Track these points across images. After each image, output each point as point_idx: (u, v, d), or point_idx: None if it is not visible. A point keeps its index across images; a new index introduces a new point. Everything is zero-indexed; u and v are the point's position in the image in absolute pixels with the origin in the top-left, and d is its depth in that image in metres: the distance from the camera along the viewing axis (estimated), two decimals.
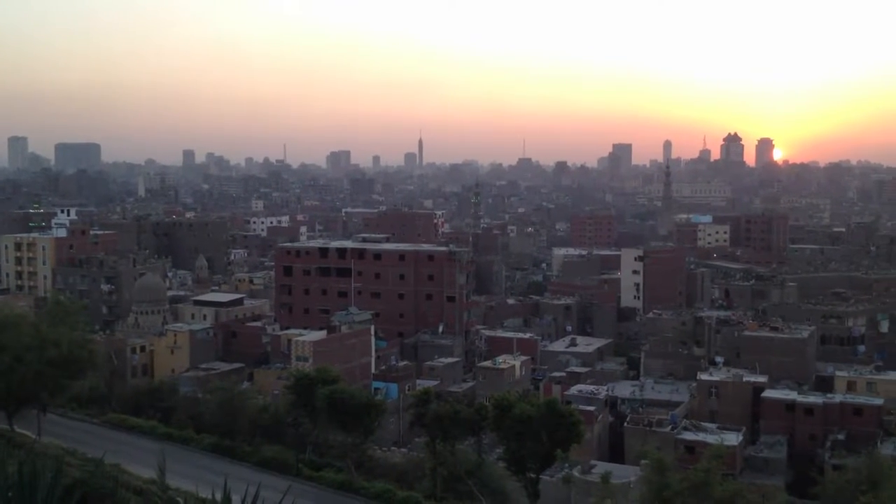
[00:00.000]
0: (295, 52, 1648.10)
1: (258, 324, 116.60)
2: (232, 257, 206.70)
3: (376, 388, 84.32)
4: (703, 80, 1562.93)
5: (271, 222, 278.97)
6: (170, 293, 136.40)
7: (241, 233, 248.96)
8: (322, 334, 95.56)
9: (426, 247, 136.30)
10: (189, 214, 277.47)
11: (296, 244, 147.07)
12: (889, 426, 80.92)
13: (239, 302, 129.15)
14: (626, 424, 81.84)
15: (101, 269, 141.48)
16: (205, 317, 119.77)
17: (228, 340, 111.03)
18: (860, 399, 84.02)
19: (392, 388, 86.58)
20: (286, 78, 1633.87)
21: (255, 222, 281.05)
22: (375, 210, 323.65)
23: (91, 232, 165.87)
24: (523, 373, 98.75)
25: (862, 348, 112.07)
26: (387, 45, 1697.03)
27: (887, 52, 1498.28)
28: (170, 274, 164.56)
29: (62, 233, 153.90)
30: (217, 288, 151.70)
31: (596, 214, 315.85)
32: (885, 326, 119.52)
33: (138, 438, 62.92)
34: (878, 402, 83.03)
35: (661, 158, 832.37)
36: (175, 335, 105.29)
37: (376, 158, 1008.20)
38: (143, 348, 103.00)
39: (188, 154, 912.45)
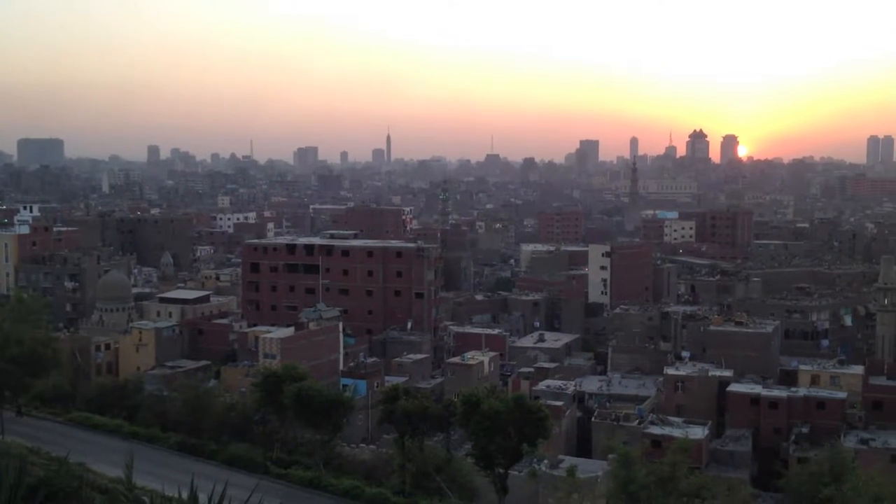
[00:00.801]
0: (262, 47, 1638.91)
1: (225, 321, 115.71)
2: (198, 254, 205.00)
3: (345, 385, 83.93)
4: (668, 78, 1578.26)
5: (238, 219, 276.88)
6: (135, 290, 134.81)
7: (207, 229, 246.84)
8: (290, 331, 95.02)
9: (394, 243, 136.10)
10: (154, 211, 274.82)
11: (263, 241, 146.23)
12: (852, 419, 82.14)
13: (205, 299, 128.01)
14: (593, 419, 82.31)
15: (64, 266, 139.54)
16: (170, 314, 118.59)
17: (195, 338, 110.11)
18: (824, 393, 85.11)
19: (360, 384, 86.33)
20: (253, 73, 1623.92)
21: (221, 219, 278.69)
22: (343, 206, 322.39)
23: (54, 228, 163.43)
24: (492, 369, 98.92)
25: (825, 342, 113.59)
26: (355, 40, 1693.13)
27: (849, 50, 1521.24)
28: (135, 271, 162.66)
29: (25, 229, 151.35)
30: (183, 285, 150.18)
31: (563, 211, 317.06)
32: (848, 321, 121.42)
33: (103, 437, 62.38)
34: (842, 395, 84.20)
35: (627, 155, 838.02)
36: (140, 333, 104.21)
37: (344, 154, 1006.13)
38: (107, 346, 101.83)
39: (153, 150, 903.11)
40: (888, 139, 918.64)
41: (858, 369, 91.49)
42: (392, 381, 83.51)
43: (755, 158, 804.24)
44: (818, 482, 48.48)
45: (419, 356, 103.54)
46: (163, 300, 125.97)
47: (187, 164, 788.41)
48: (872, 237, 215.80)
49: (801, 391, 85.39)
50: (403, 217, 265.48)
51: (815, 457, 62.11)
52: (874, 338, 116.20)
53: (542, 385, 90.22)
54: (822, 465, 52.17)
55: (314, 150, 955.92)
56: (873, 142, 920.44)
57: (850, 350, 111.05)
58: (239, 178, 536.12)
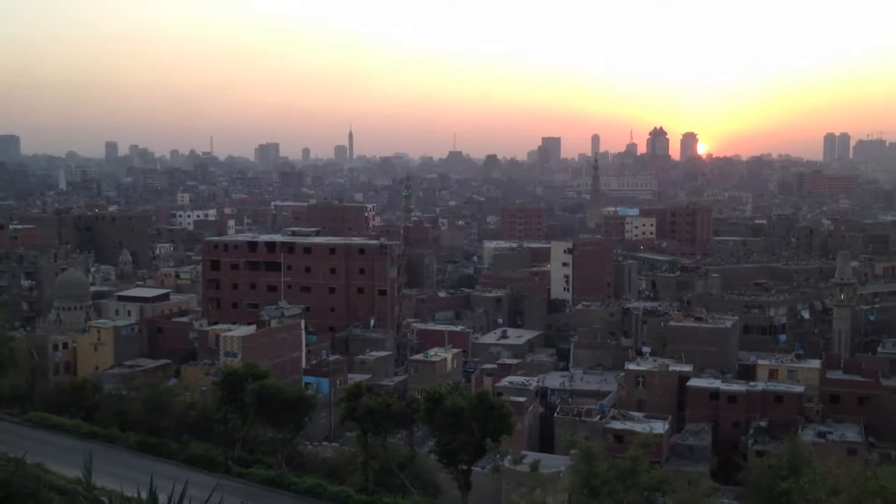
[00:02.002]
0: (222, 42, 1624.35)
1: (185, 319, 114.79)
2: (157, 252, 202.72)
3: (307, 383, 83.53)
4: (629, 76, 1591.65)
5: (198, 216, 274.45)
6: (93, 289, 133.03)
7: (166, 227, 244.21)
8: (251, 329, 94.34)
9: (357, 240, 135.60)
10: (112, 208, 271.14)
11: (223, 238, 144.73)
12: (809, 413, 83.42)
13: (165, 297, 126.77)
14: (556, 415, 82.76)
15: (20, 264, 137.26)
16: (129, 313, 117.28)
17: (154, 336, 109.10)
18: (781, 387, 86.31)
19: (323, 382, 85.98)
20: (213, 69, 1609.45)
21: (181, 216, 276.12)
22: (305, 203, 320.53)
23: (10, 226, 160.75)
24: (455, 365, 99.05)
25: (783, 337, 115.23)
26: (316, 36, 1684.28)
27: (806, 51, 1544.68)
28: (92, 269, 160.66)
29: None
30: (142, 283, 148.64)
31: (526, 207, 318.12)
32: (805, 316, 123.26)
33: (61, 437, 61.56)
34: (799, 389, 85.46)
35: (589, 152, 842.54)
36: (99, 331, 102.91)
37: (306, 151, 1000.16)
38: (65, 345, 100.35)
39: (111, 146, 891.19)
40: (844, 137, 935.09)
41: (815, 363, 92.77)
42: (355, 378, 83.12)
43: (714, 156, 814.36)
44: (776, 475, 49.09)
45: (382, 353, 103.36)
46: (121, 298, 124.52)
47: (146, 161, 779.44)
48: (829, 233, 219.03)
49: (760, 385, 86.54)
50: (366, 214, 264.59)
51: (773, 450, 62.94)
52: (831, 332, 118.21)
53: (504, 381, 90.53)
54: (781, 459, 52.83)
55: (275, 146, 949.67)
56: (829, 139, 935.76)
57: (807, 344, 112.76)
58: (199, 174, 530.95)
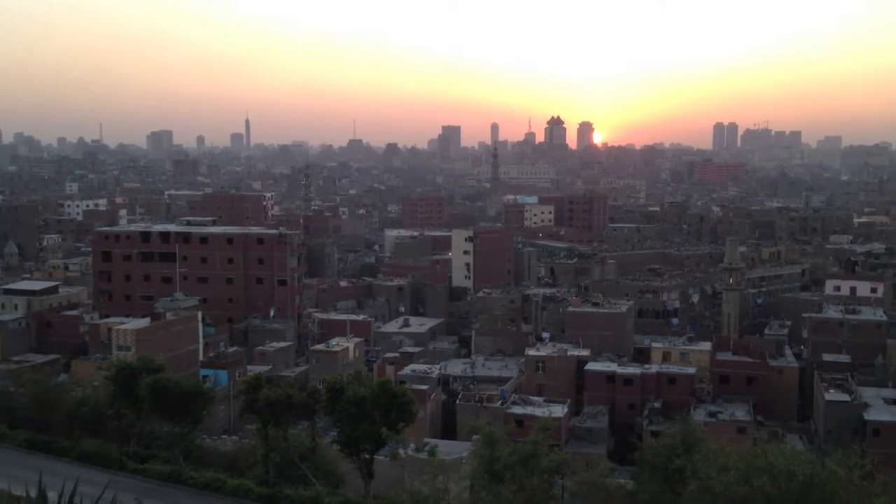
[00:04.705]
0: (112, 26, 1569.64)
1: (75, 312, 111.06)
2: (45, 243, 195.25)
3: (205, 376, 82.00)
4: (527, 67, 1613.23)
5: (87, 206, 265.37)
6: None
7: (54, 217, 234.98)
8: (145, 322, 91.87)
9: (255, 230, 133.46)
10: None
11: (115, 228, 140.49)
12: (701, 394, 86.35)
13: (53, 290, 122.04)
14: (458, 401, 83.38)
15: None
16: (16, 306, 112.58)
17: (43, 331, 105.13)
18: (674, 369, 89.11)
19: (221, 375, 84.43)
20: (102, 54, 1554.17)
21: (69, 206, 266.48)
22: (201, 192, 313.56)
23: None
24: (357, 355, 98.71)
25: (676, 321, 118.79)
26: (211, 19, 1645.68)
27: (697, 46, 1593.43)
28: None
29: None
30: (29, 275, 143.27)
31: (427, 196, 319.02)
32: (695, 299, 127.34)
33: None
34: (691, 371, 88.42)
35: (489, 141, 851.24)
36: None
37: (201, 139, 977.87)
38: None
39: None
40: (732, 126, 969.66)
41: (706, 346, 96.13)
42: (254, 370, 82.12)
43: (609, 145, 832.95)
44: (670, 454, 50.53)
45: (282, 344, 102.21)
46: (7, 292, 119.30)
47: (32, 149, 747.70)
48: (718, 219, 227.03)
49: (654, 368, 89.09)
50: (264, 203, 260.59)
51: (667, 430, 64.82)
52: (720, 315, 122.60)
53: (407, 370, 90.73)
54: (674, 438, 54.37)
55: (168, 133, 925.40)
56: (719, 129, 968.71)
57: (699, 327, 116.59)
58: (88, 163, 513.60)
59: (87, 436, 60.09)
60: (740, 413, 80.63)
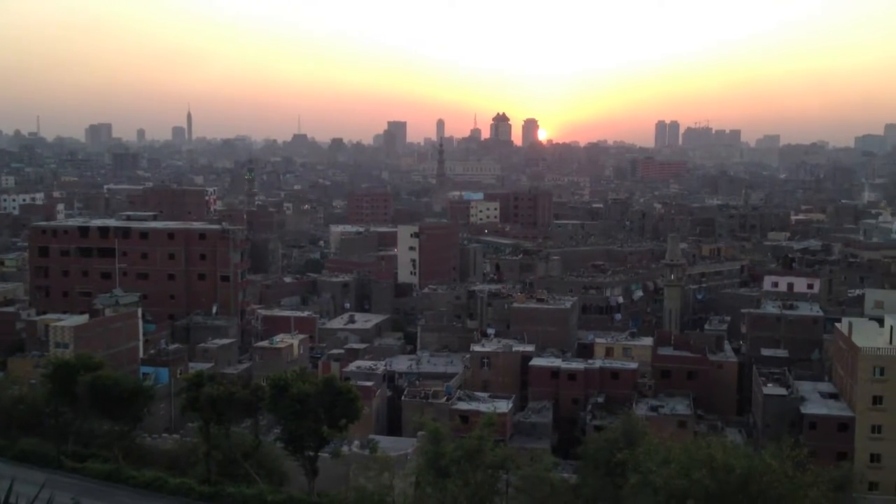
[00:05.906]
0: (49, 16, 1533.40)
1: (11, 309, 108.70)
2: None
3: (145, 374, 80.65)
4: (473, 64, 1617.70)
5: (24, 200, 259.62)
6: None
7: None
8: (84, 319, 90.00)
9: (197, 225, 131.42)
10: None
11: (52, 223, 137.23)
12: (643, 388, 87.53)
13: None
14: (403, 398, 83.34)
15: None
16: None
17: None
18: (617, 364, 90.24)
19: (162, 372, 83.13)
20: (39, 45, 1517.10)
21: (5, 200, 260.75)
22: (141, 186, 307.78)
23: None
24: (301, 351, 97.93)
25: (619, 316, 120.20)
26: (150, 11, 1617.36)
27: (639, 46, 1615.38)
28: None
29: None
30: None
31: (372, 192, 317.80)
32: (638, 295, 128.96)
33: None
34: (633, 366, 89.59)
35: (434, 137, 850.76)
36: None
37: (141, 132, 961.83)
38: None
39: None
40: (674, 124, 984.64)
41: (648, 341, 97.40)
42: (196, 367, 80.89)
43: (554, 142, 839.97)
44: (613, 448, 51.16)
45: (225, 341, 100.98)
46: None
47: None
48: (660, 217, 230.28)
49: (597, 363, 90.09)
50: (207, 198, 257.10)
51: (609, 424, 65.62)
52: (662, 311, 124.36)
53: (352, 366, 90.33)
54: (616, 432, 55.08)
55: (108, 126, 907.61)
56: (661, 127, 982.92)
57: (641, 323, 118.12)
58: (24, 156, 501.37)
59: (23, 435, 58.95)
60: (681, 407, 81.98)
